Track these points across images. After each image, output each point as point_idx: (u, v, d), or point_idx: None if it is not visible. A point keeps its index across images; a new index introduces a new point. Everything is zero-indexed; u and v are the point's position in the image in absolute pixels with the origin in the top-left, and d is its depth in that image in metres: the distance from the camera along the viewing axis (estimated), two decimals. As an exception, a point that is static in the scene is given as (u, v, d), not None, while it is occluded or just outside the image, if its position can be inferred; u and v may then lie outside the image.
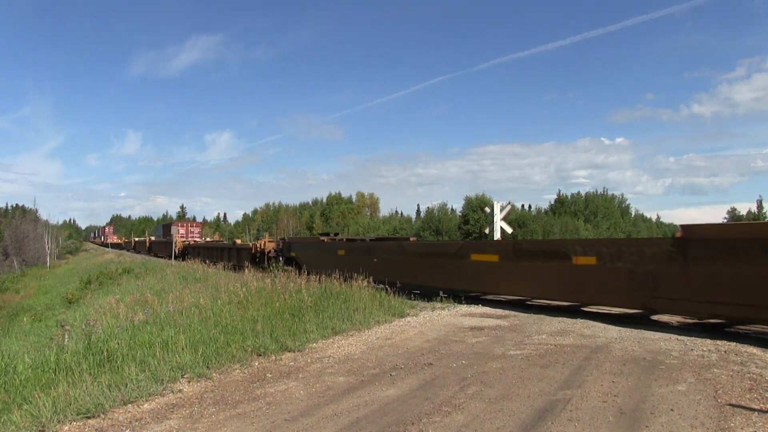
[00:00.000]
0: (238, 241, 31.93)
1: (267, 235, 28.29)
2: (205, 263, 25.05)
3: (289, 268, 17.16)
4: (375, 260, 12.98)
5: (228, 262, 24.06)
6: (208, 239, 47.36)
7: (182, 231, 46.57)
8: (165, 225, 58.77)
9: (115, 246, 77.02)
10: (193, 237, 46.49)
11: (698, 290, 7.49)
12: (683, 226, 8.32)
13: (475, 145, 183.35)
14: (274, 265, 18.35)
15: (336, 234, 23.04)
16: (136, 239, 65.93)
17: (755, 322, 7.60)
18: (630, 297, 8.33)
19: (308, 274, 13.87)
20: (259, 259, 21.88)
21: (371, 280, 10.93)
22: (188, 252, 34.31)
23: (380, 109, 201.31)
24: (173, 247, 35.71)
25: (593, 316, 9.11)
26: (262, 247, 22.22)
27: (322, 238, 19.79)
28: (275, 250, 21.18)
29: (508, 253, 10.54)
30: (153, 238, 57.58)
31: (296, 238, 28.84)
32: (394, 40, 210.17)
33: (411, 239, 19.32)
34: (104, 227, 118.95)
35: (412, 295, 12.20)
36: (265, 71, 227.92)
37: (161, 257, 39.39)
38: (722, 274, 7.22)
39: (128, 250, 62.01)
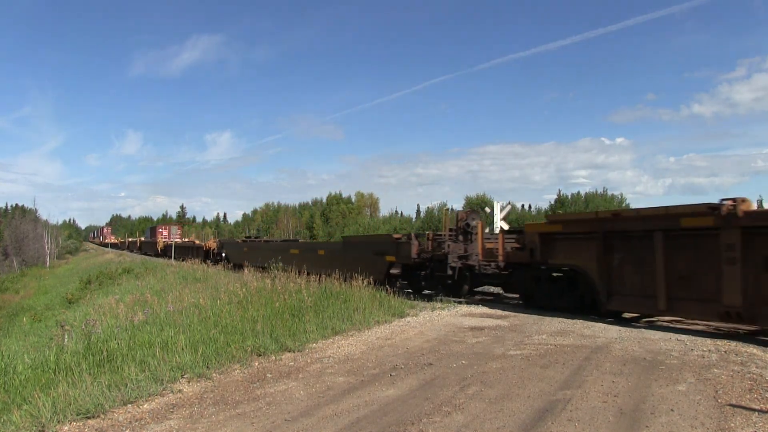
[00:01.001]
0: (197, 242, 42.26)
1: (212, 238, 40.38)
2: (178, 258, 33.61)
3: (225, 260, 26.46)
4: (256, 252, 21.99)
5: (192, 256, 32.04)
6: (185, 240, 54.31)
7: (165, 233, 54.79)
8: (152, 228, 67.45)
9: (113, 246, 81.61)
10: (173, 238, 52.77)
11: (350, 265, 13.82)
12: (344, 237, 19.58)
13: (475, 145, 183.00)
14: (218, 258, 28.12)
15: (256, 237, 38.02)
16: (130, 239, 72.98)
17: (369, 276, 12.29)
18: (334, 268, 13.70)
19: (232, 263, 24.38)
20: (208, 255, 30.62)
21: (251, 263, 17.05)
22: (167, 250, 41.65)
23: (380, 109, 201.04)
24: (156, 246, 44.16)
25: (591, 317, 9.12)
26: (209, 246, 31.66)
27: (237, 239, 31.65)
28: (217, 249, 29.89)
29: (302, 249, 19.82)
30: (143, 238, 64.56)
31: (226, 239, 40.65)
32: (395, 40, 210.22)
33: (299, 241, 32.43)
34: (103, 228, 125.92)
35: (412, 296, 12.21)
36: (265, 71, 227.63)
37: (149, 255, 46.29)
38: (355, 257, 14.53)
39: (122, 249, 67.55)
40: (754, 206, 7.64)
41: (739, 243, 7.28)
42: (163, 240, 47.50)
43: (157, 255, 42.88)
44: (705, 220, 7.68)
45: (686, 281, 7.96)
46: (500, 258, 11.15)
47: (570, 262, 9.68)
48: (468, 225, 11.74)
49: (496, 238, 12.11)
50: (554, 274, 10.19)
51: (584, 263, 9.32)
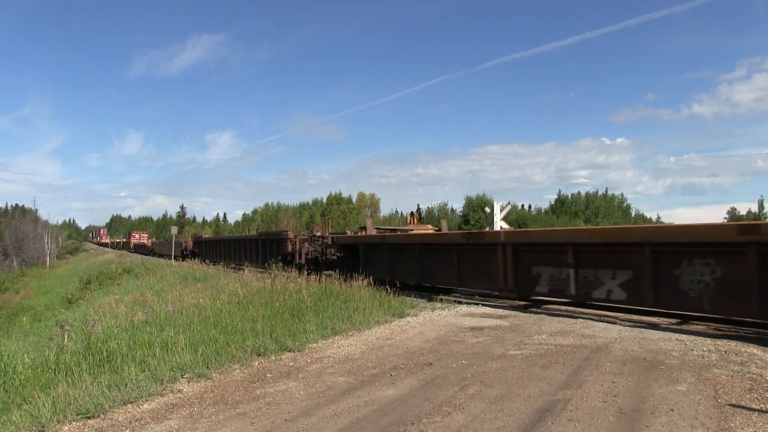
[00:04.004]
0: (143, 241, 69.08)
1: (153, 239, 65.84)
2: (136, 251, 59.61)
3: (154, 252, 48.73)
4: (162, 248, 43.47)
5: (143, 252, 51.79)
6: (146, 241, 73.56)
7: (136, 236, 78.80)
8: (128, 232, 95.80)
9: (108, 245, 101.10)
10: (141, 240, 73.73)
11: (161, 251, 44.42)
12: (162, 241, 57.58)
13: (475, 145, 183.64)
14: (153, 251, 48.41)
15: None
16: (116, 240, 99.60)
17: (167, 256, 35.17)
18: (159, 253, 45.63)
19: (157, 254, 46.67)
20: (149, 250, 50.55)
21: (162, 253, 41.05)
22: (136, 248, 65.28)
23: (380, 109, 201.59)
24: (130, 245, 71.36)
25: (593, 316, 9.12)
26: (149, 245, 52.99)
27: (158, 241, 52.96)
28: (151, 246, 51.62)
29: (165, 245, 43.69)
30: (124, 239, 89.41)
31: (156, 241, 61.64)
32: (395, 40, 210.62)
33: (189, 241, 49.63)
34: (100, 229, 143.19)
35: (413, 295, 12.21)
36: (266, 71, 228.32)
37: (131, 251, 65.80)
38: (163, 248, 44.99)
39: (112, 248, 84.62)
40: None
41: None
42: (134, 241, 73.05)
43: (131, 251, 64.92)
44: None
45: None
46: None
47: None
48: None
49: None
50: None
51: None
